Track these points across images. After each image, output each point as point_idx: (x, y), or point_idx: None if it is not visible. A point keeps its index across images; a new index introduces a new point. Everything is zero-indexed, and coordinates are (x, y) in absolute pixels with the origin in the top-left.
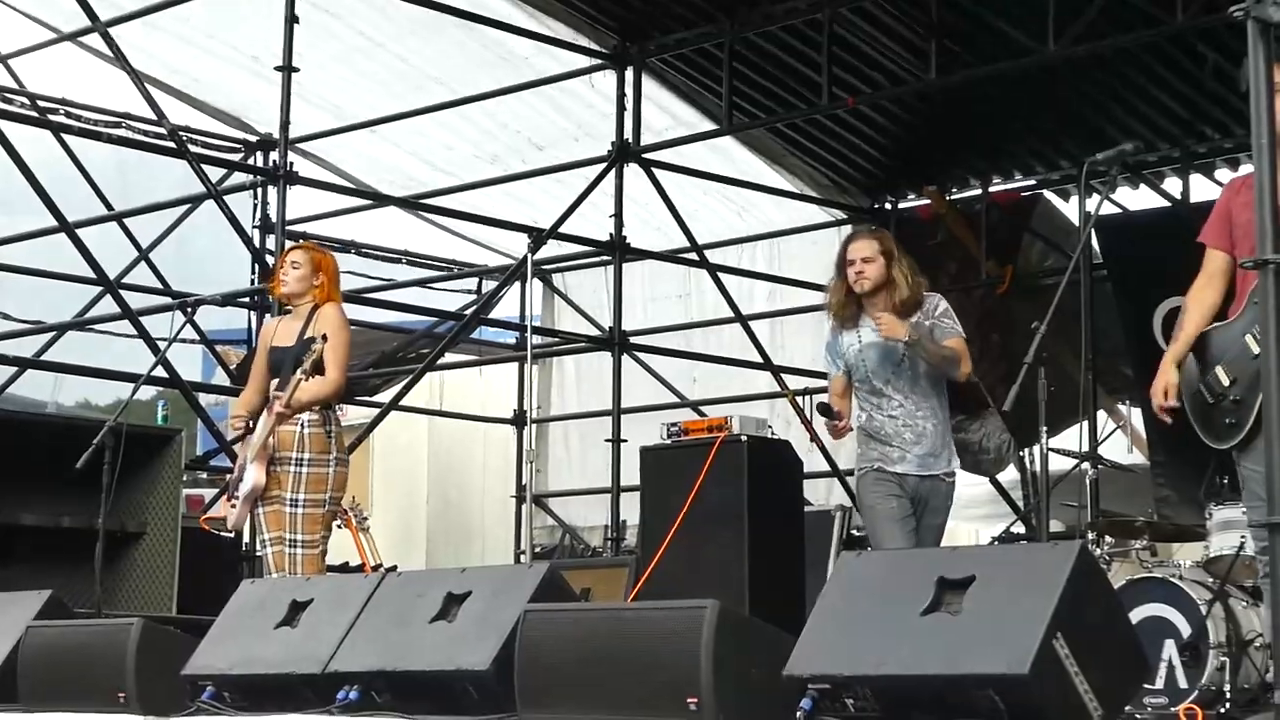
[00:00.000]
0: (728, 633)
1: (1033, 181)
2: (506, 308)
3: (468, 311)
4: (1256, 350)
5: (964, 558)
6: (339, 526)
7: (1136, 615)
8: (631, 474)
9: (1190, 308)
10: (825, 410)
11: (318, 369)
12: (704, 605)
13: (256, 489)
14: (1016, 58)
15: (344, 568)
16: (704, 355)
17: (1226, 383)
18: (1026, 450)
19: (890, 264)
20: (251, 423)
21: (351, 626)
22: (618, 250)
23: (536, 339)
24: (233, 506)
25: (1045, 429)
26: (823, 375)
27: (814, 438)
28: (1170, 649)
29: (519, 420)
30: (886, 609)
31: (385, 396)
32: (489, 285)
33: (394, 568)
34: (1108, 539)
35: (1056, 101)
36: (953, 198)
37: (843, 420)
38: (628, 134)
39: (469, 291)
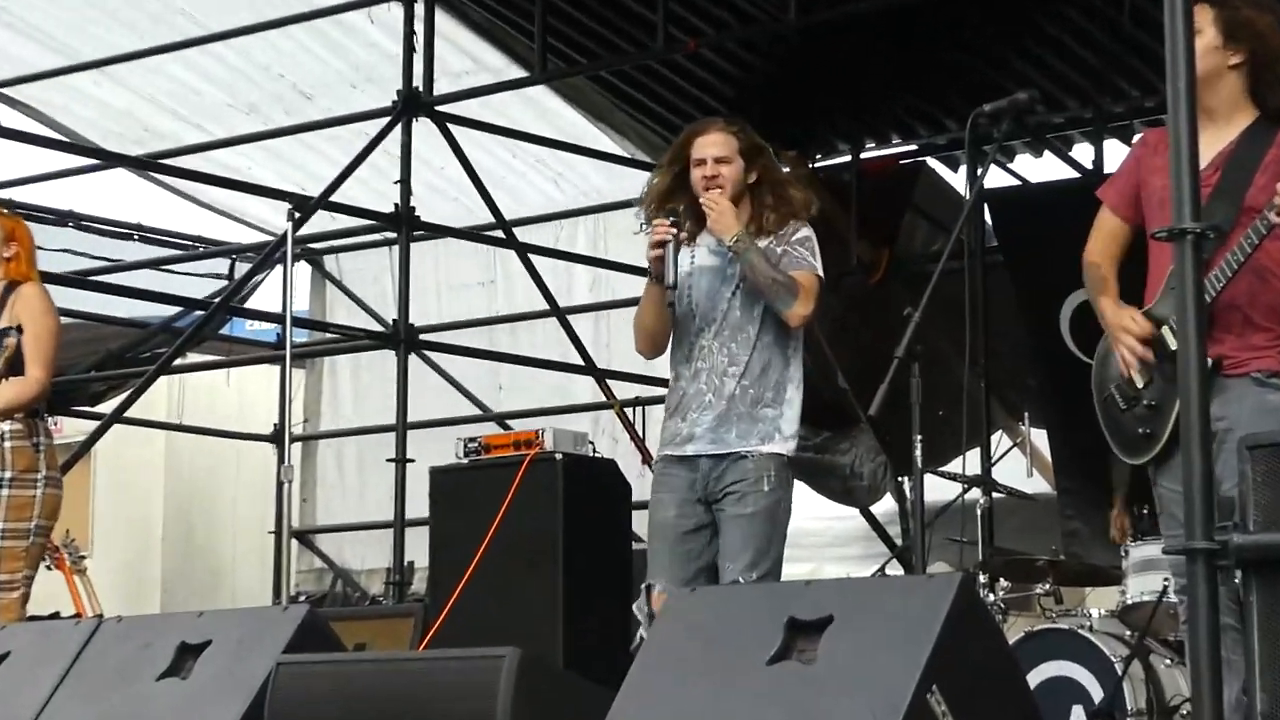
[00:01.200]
0: (532, 688)
1: (914, 147)
2: (265, 297)
3: (216, 300)
4: (1174, 345)
5: (821, 593)
6: (47, 567)
7: (1037, 676)
8: (420, 503)
9: (1098, 263)
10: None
11: (14, 368)
12: (501, 654)
13: None
14: None
15: (54, 618)
16: (511, 356)
17: (1140, 384)
18: (906, 476)
19: (751, 168)
20: None
21: (59, 685)
22: (404, 225)
23: (301, 335)
24: None
25: (920, 438)
26: (658, 381)
27: (646, 457)
28: (1078, 716)
29: (278, 437)
30: (724, 658)
31: (110, 406)
32: (243, 268)
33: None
34: (1003, 582)
35: (942, 49)
36: (816, 165)
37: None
38: (417, 80)
39: (218, 276)
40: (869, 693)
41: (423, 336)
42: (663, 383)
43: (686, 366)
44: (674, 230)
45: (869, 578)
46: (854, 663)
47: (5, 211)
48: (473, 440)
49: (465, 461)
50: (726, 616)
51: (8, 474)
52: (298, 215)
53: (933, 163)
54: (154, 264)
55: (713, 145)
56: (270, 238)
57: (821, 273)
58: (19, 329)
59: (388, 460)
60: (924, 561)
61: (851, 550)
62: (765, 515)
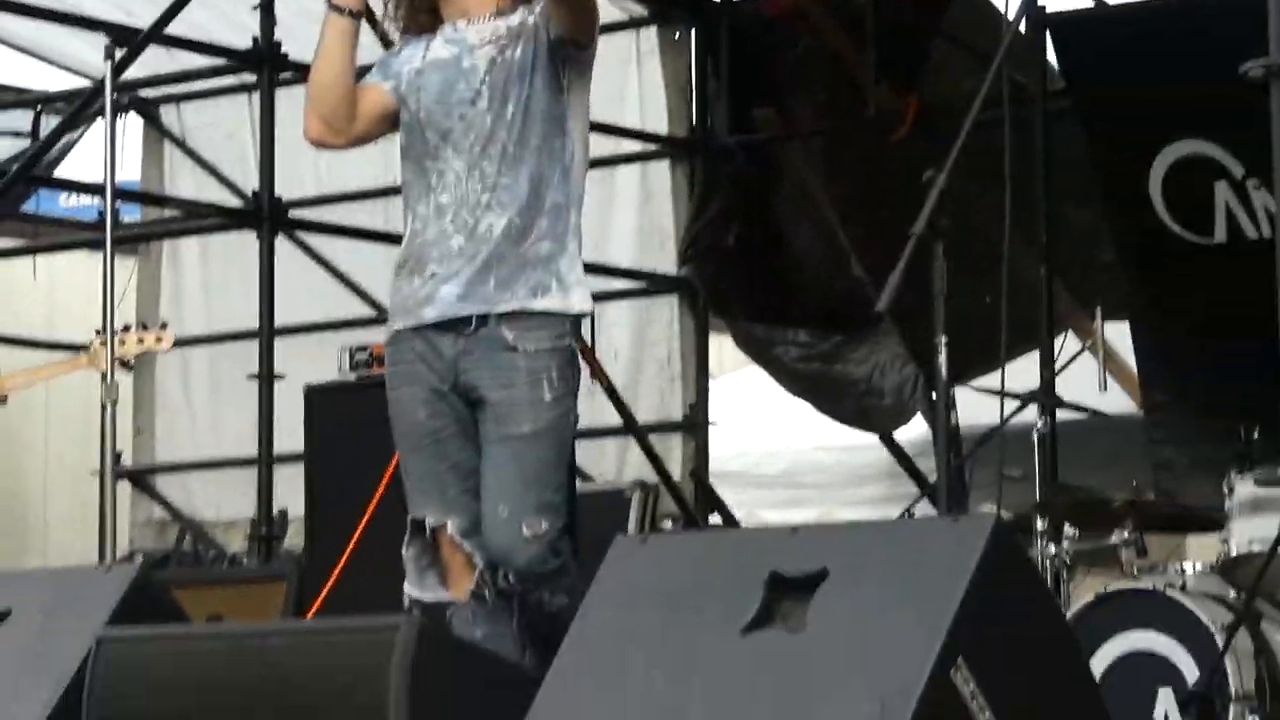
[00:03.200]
0: (435, 665)
1: None
2: (82, 162)
3: (14, 167)
4: None
5: (812, 542)
6: None
7: (1112, 650)
8: (294, 434)
9: None
10: None
11: None
12: (395, 625)
13: None
14: None
15: None
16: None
17: None
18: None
19: None
20: None
21: None
22: (266, 65)
23: (132, 211)
24: None
25: (944, 340)
26: (614, 271)
27: (597, 373)
28: (1166, 702)
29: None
30: (686, 627)
31: None
32: (52, 123)
33: None
34: (1069, 529)
35: None
36: None
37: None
38: None
39: (18, 133)
40: (874, 669)
41: (295, 213)
42: (630, 273)
43: (423, 202)
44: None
45: (875, 521)
46: (854, 630)
47: None
48: (361, 350)
49: (352, 378)
50: (688, 572)
51: None
52: (120, 54)
53: None
54: None
55: None
56: (88, 83)
57: None
58: None
59: (249, 377)
60: (954, 502)
61: (870, 490)
62: (549, 437)
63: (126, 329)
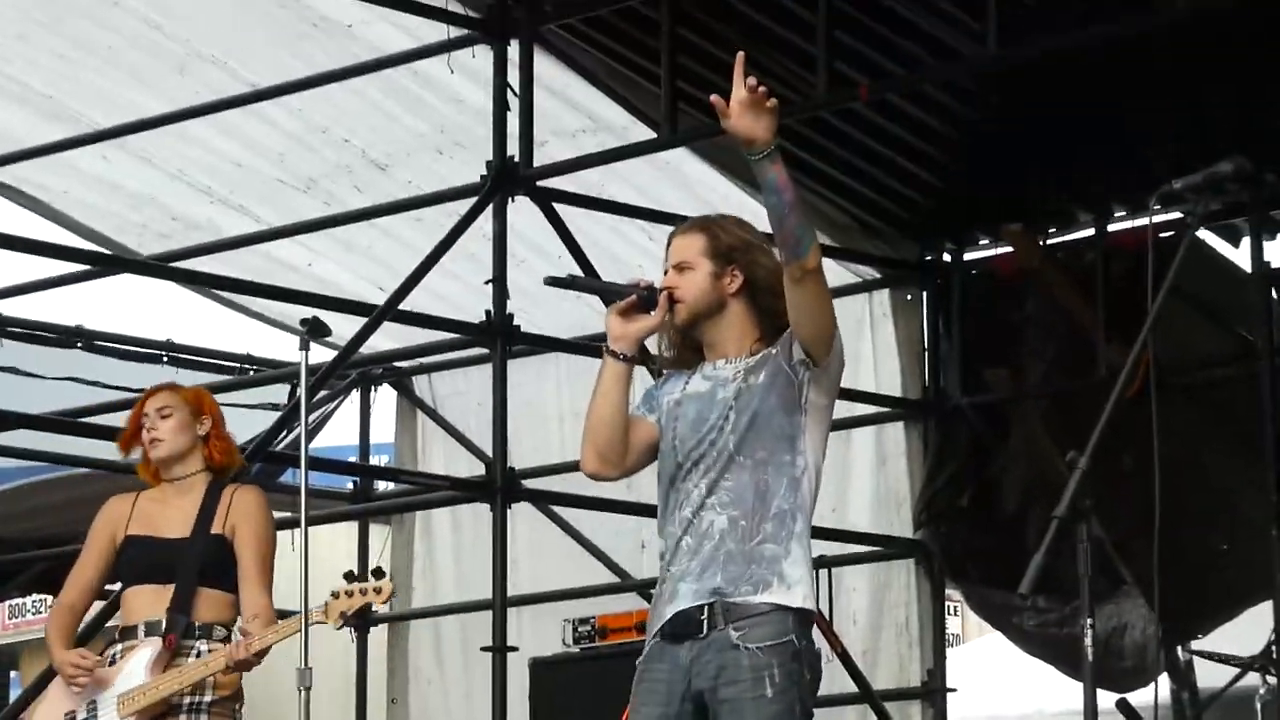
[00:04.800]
0: None
1: (1178, 215)
2: (340, 429)
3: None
4: None
5: None
6: None
7: None
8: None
9: None
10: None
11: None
12: None
13: None
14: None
15: None
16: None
17: None
18: (1181, 646)
19: (730, 269)
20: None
21: None
22: (499, 338)
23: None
24: None
25: (1090, 623)
26: (858, 536)
27: (833, 642)
28: None
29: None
30: None
31: None
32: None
33: None
34: None
35: (1208, 83)
36: (1051, 242)
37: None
38: (513, 148)
39: (276, 406)
40: None
41: (533, 482)
42: (867, 537)
43: (672, 521)
44: (650, 287)
45: None
46: None
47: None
48: (584, 622)
49: (575, 650)
50: None
51: (207, 697)
52: (310, 344)
53: (1204, 234)
54: None
55: (675, 251)
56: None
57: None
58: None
59: (482, 649)
60: None
61: None
62: None
63: (350, 582)
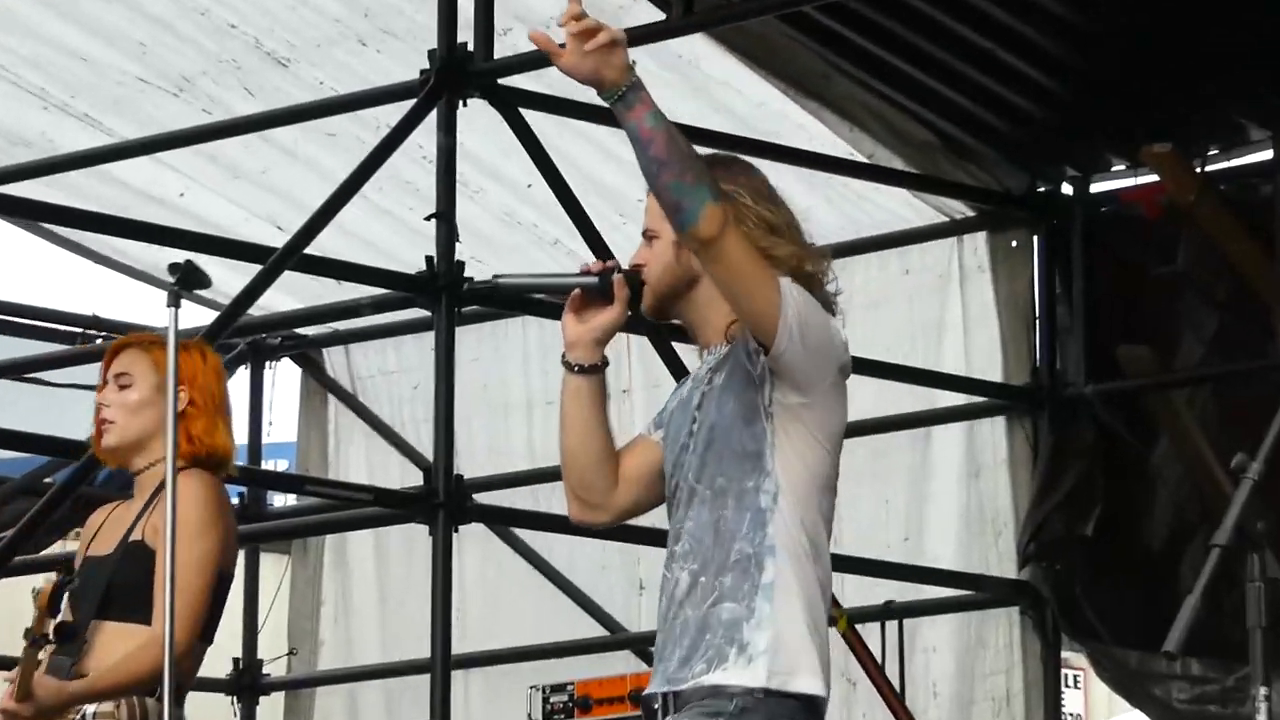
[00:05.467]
0: None
1: None
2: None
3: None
4: None
5: None
6: None
7: None
8: None
9: None
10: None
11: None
12: None
13: None
14: None
15: None
16: (661, 533)
17: None
18: None
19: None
20: None
21: None
22: (443, 294)
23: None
24: None
25: (1263, 692)
26: (946, 582)
27: (888, 691)
28: None
29: (240, 681)
30: None
31: None
32: None
33: None
34: None
35: None
36: (1212, 169)
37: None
38: (465, 36)
39: None
40: None
41: (487, 496)
42: (952, 576)
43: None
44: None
45: None
46: None
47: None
48: (559, 689)
49: None
50: None
51: None
52: (182, 300)
53: None
54: (15, 370)
55: (646, 213)
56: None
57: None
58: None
59: None
60: None
61: None
62: None
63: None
